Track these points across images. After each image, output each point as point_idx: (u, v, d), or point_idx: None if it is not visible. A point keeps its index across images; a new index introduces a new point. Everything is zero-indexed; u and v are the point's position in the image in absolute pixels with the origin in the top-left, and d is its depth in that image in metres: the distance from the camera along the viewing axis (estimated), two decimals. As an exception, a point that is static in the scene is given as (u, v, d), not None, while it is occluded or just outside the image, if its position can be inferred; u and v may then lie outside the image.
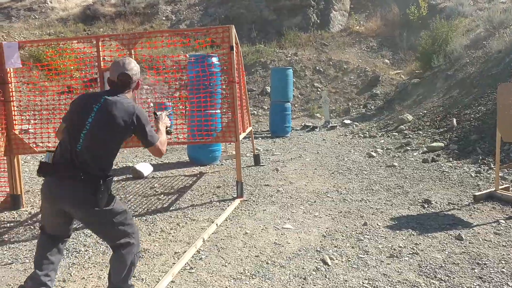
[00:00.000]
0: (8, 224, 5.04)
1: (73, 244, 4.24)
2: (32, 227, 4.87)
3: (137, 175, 7.10)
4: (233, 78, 5.35)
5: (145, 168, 7.27)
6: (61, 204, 2.74)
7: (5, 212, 5.50)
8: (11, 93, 5.49)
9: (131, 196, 6.03)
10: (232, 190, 6.03)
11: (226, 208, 5.13)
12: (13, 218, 5.28)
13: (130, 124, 2.76)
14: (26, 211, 5.52)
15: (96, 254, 3.98)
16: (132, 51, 5.36)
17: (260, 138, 11.27)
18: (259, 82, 16.76)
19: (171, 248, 4.03)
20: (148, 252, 3.95)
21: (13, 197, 5.59)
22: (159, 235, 4.37)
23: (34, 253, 2.93)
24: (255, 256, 3.77)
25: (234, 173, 7.17)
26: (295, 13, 20.34)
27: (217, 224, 4.49)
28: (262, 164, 7.76)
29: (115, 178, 7.21)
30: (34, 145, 5.65)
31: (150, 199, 5.85)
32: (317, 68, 17.21)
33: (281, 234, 4.26)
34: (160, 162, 8.44)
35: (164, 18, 21.35)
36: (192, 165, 8.01)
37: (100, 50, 5.36)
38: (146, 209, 5.35)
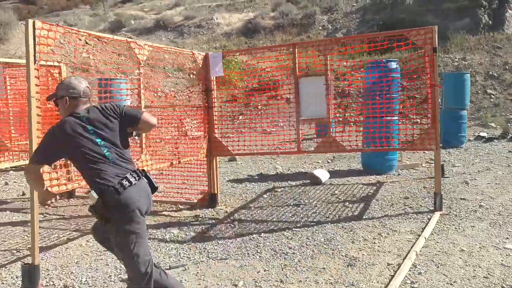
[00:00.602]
0: (210, 221, 5.43)
1: (278, 245, 4.36)
2: (232, 225, 5.16)
3: (315, 181, 7.13)
4: (435, 81, 5.01)
5: (323, 174, 7.27)
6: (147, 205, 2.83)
7: (204, 209, 5.95)
8: (213, 100, 5.94)
9: (315, 202, 6.04)
10: (423, 201, 5.65)
11: (426, 221, 4.80)
12: (212, 215, 5.68)
13: (117, 111, 2.88)
14: (221, 209, 5.90)
15: (305, 258, 4.00)
16: (328, 57, 5.37)
17: (431, 149, 10.51)
18: (421, 89, 15.77)
19: (382, 258, 3.86)
20: (359, 260, 3.84)
21: (210, 196, 6.03)
22: (363, 244, 4.24)
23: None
24: (484, 277, 3.39)
25: (417, 184, 6.76)
26: (462, 15, 18.76)
27: (425, 238, 4.19)
28: (446, 176, 7.16)
29: (293, 183, 7.36)
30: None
31: (336, 205, 5.79)
32: (490, 73, 15.56)
33: (506, 255, 3.78)
34: (331, 169, 8.38)
35: (320, 27, 21.57)
36: (366, 174, 7.78)
37: (296, 57, 5.50)
38: (337, 216, 5.29)
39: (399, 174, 7.68)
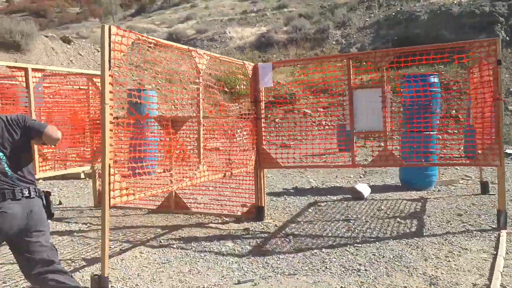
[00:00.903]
0: (262, 235, 5.26)
1: (345, 261, 4.20)
2: (287, 239, 4.99)
3: (358, 196, 6.98)
4: (499, 95, 4.91)
5: (365, 189, 7.13)
6: (18, 227, 2.72)
7: (251, 222, 5.79)
8: (262, 111, 5.83)
9: (364, 217, 5.89)
10: (481, 219, 5.50)
11: (493, 239, 4.64)
12: (262, 229, 5.51)
13: (21, 124, 2.83)
14: (269, 223, 5.73)
15: (380, 275, 3.84)
16: (384, 69, 5.28)
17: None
18: (441, 104, 15.73)
19: (464, 278, 3.70)
20: (440, 279, 3.67)
21: (257, 209, 5.87)
22: (437, 262, 4.07)
23: None
24: None
25: (463, 200, 6.62)
26: (478, 31, 18.79)
27: (503, 257, 4.04)
28: (491, 193, 7.00)
29: (333, 198, 7.20)
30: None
31: (388, 221, 5.63)
32: (510, 89, 15.51)
33: None
34: (366, 183, 8.23)
35: (334, 42, 21.61)
36: (405, 189, 7.63)
37: (351, 68, 5.41)
38: (395, 232, 5.12)
39: (439, 190, 7.53)
